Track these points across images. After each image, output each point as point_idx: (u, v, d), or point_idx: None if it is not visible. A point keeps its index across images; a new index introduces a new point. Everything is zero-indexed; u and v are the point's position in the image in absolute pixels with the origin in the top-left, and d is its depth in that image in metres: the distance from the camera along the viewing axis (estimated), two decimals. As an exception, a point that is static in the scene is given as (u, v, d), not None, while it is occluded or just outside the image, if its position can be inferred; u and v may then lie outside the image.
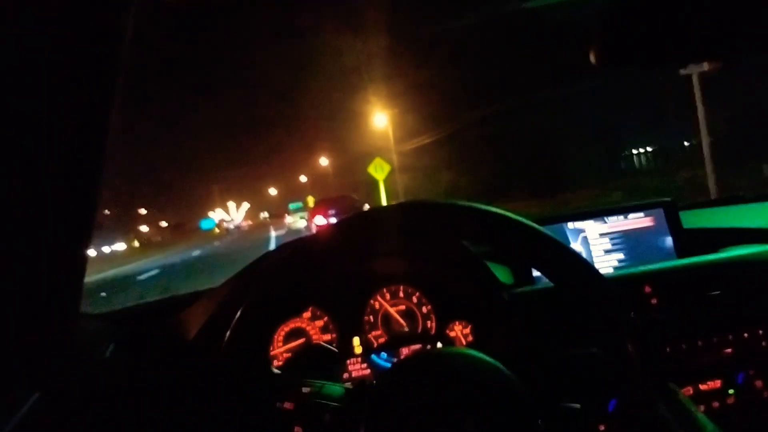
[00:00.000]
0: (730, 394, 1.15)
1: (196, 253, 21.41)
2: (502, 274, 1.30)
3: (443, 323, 1.26)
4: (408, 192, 17.74)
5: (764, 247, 1.28)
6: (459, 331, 1.26)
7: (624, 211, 1.40)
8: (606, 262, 1.38)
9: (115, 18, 0.60)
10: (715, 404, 1.15)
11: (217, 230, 53.04)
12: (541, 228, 0.72)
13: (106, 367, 1.01)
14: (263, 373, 0.73)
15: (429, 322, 1.27)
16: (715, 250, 1.37)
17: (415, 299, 1.28)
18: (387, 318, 1.26)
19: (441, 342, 1.25)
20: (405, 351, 1.24)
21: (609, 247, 1.39)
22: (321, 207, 20.07)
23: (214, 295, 1.13)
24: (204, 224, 57.03)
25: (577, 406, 0.75)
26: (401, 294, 1.28)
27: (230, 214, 69.25)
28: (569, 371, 0.84)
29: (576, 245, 1.36)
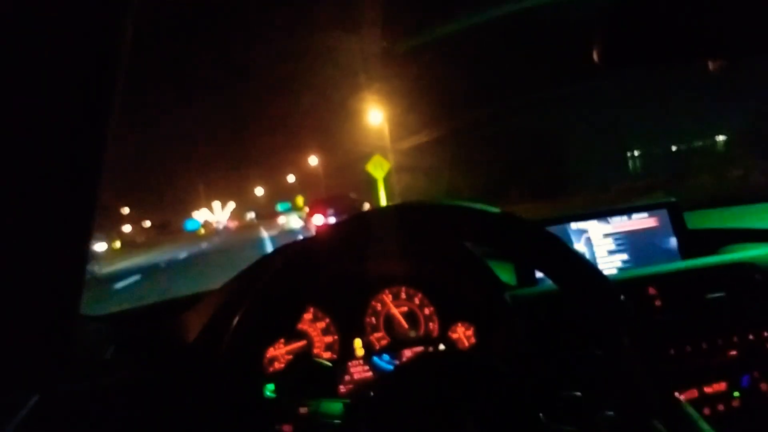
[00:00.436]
0: (735, 397, 1.14)
1: (182, 255, 19.74)
2: (505, 273, 1.30)
3: (445, 325, 1.26)
4: (405, 193, 17.35)
5: None
6: (461, 332, 1.25)
7: (627, 211, 1.40)
8: (609, 263, 1.38)
9: (115, 18, 0.59)
10: (720, 407, 1.14)
11: (202, 231, 51.67)
12: (544, 228, 0.71)
13: (105, 369, 1.01)
14: (258, 396, 0.73)
15: (431, 324, 1.26)
16: (719, 252, 1.37)
17: (417, 301, 1.27)
18: (389, 320, 1.26)
19: (443, 344, 1.24)
20: (407, 353, 1.23)
21: (612, 247, 1.38)
22: (319, 206, 19.72)
23: (214, 297, 1.13)
24: (189, 225, 55.08)
25: (578, 394, 0.74)
26: (403, 296, 1.28)
27: (215, 214, 68.24)
28: (571, 373, 0.84)
29: (579, 246, 1.36)
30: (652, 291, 1.20)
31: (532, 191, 15.80)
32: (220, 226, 58.19)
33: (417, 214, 0.72)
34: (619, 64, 0.73)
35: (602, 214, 1.39)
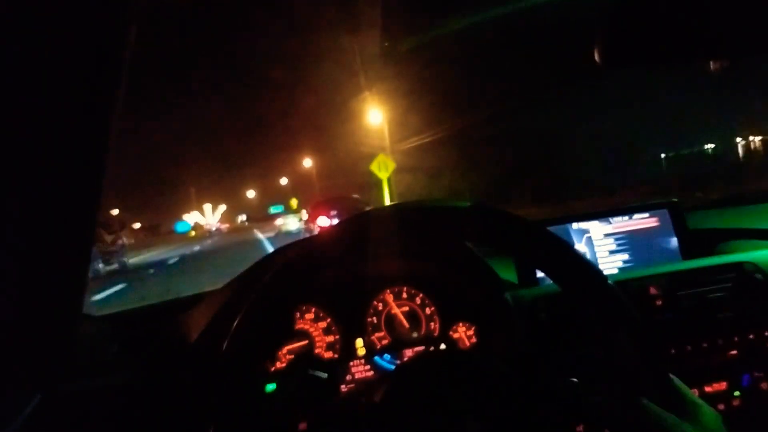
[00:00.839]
0: (736, 396, 1.14)
1: (173, 260, 17.64)
2: (506, 271, 1.30)
3: (447, 325, 1.26)
4: (405, 194, 16.98)
5: None
6: (462, 332, 1.25)
7: (628, 211, 1.40)
8: (611, 263, 1.38)
9: (118, 20, 0.60)
10: (721, 406, 1.14)
11: (193, 233, 50.89)
12: (545, 228, 0.72)
13: (107, 369, 1.01)
14: (259, 396, 0.73)
15: (432, 324, 1.26)
16: (720, 252, 1.37)
17: (418, 300, 1.28)
18: (390, 319, 1.26)
19: (444, 343, 1.25)
20: (408, 353, 1.24)
21: (614, 247, 1.38)
22: (323, 208, 19.32)
23: (216, 297, 1.13)
24: (179, 227, 54.05)
25: (575, 380, 0.74)
26: (404, 295, 1.28)
27: (206, 217, 67.51)
28: (571, 372, 0.84)
29: (580, 246, 1.36)
30: (653, 291, 1.20)
31: (534, 194, 15.41)
32: (213, 228, 57.73)
33: (418, 214, 0.72)
34: (620, 64, 0.73)
35: (603, 215, 1.39)
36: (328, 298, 1.23)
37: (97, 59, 0.60)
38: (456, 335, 1.25)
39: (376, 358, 1.22)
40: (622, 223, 1.39)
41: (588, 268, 0.71)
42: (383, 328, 1.25)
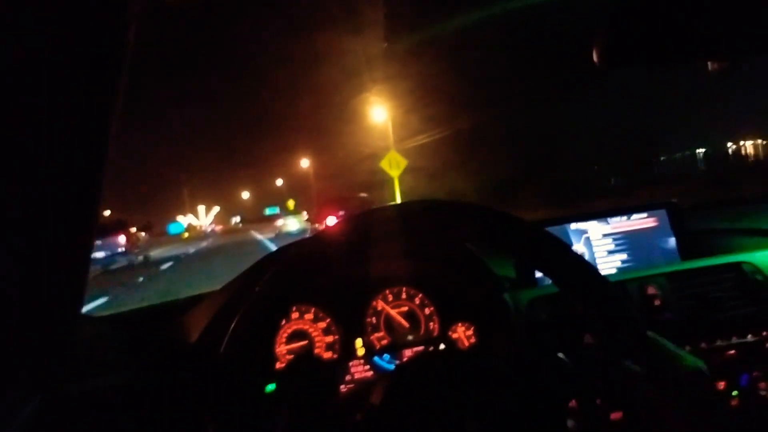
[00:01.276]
0: (734, 396, 1.15)
1: (165, 265, 15.24)
2: (505, 271, 1.30)
3: (446, 325, 1.26)
4: (409, 194, 16.32)
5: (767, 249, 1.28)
6: (461, 332, 1.25)
7: (627, 211, 1.40)
8: (609, 263, 1.38)
9: (117, 20, 0.60)
10: (719, 406, 1.14)
11: (186, 235, 50.13)
12: (543, 228, 0.72)
13: (107, 369, 1.01)
14: (259, 396, 0.73)
15: (431, 324, 1.27)
16: (718, 252, 1.37)
17: (417, 301, 1.28)
18: (389, 320, 1.26)
19: (443, 343, 1.25)
20: (407, 353, 1.24)
21: (612, 248, 1.38)
22: (331, 207, 18.44)
23: (215, 298, 1.13)
24: (172, 228, 52.89)
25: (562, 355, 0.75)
26: (404, 296, 1.28)
27: (199, 218, 66.79)
28: (570, 372, 0.84)
29: (579, 246, 1.36)
30: (651, 291, 1.20)
31: (545, 196, 14.57)
32: (208, 229, 57.29)
33: (417, 214, 0.72)
34: (618, 64, 0.74)
35: (602, 215, 1.39)
36: (328, 299, 1.23)
37: (98, 58, 0.59)
38: (455, 335, 1.25)
39: (376, 358, 1.22)
40: (620, 224, 1.39)
41: (586, 268, 0.71)
42: (382, 328, 1.25)
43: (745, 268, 1.24)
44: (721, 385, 1.15)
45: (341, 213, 17.43)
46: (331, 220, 17.55)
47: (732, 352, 1.16)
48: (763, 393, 1.15)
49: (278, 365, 1.18)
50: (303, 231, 21.57)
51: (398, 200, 13.84)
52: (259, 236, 25.13)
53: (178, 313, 1.16)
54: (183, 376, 0.98)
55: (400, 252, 1.22)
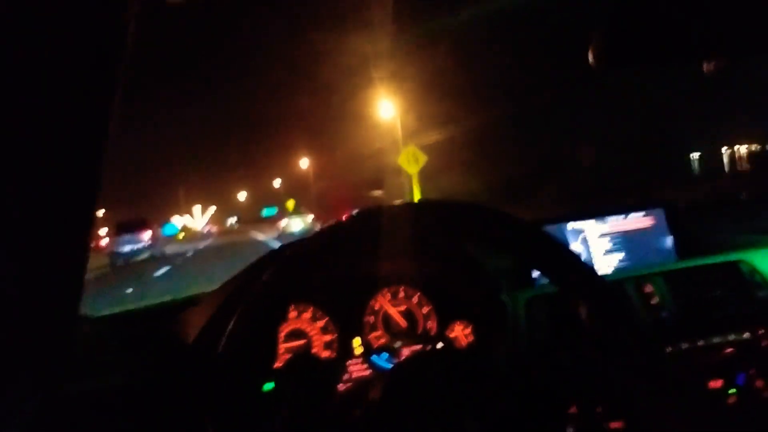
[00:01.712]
0: (731, 394, 1.15)
1: (160, 271, 13.23)
2: (503, 270, 1.31)
3: (443, 324, 1.26)
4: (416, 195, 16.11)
5: (764, 248, 1.28)
6: (459, 331, 1.26)
7: (624, 210, 1.40)
8: (606, 263, 1.38)
9: (116, 18, 0.60)
10: (717, 404, 1.14)
11: (181, 236, 49.42)
12: (541, 228, 0.72)
13: (106, 369, 1.01)
14: (257, 395, 0.73)
15: (429, 323, 1.27)
16: (715, 251, 1.38)
17: (415, 300, 1.28)
18: (387, 319, 1.26)
19: (441, 343, 1.25)
20: (405, 352, 1.24)
21: (609, 247, 1.38)
22: (344, 206, 16.84)
23: (213, 298, 1.13)
24: (167, 230, 49.38)
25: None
26: (401, 295, 1.28)
27: (195, 219, 66.05)
28: (568, 371, 0.84)
29: (576, 245, 1.36)
30: (648, 290, 1.21)
31: (567, 195, 13.41)
32: (205, 230, 56.62)
33: (414, 213, 0.72)
34: (616, 65, 0.74)
35: (599, 214, 1.40)
36: (326, 298, 1.23)
37: (97, 56, 0.60)
38: (453, 334, 1.26)
39: (374, 357, 1.23)
40: (617, 223, 1.39)
41: (584, 267, 0.72)
42: (380, 327, 1.25)
43: (742, 268, 1.25)
44: (718, 383, 1.15)
45: (355, 212, 16.97)
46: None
47: (729, 350, 1.17)
48: (759, 391, 1.15)
49: (276, 364, 1.18)
50: (307, 232, 20.70)
51: (417, 197, 13.07)
52: (261, 237, 24.81)
53: (176, 312, 1.16)
54: (181, 375, 0.98)
55: (398, 251, 1.22)
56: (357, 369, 1.21)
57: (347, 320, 1.24)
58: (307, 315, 1.23)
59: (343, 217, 0.73)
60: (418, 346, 1.25)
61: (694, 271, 1.26)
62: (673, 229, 1.40)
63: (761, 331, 1.18)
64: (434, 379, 0.73)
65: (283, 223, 25.44)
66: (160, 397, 0.97)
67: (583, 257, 1.30)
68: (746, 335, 1.17)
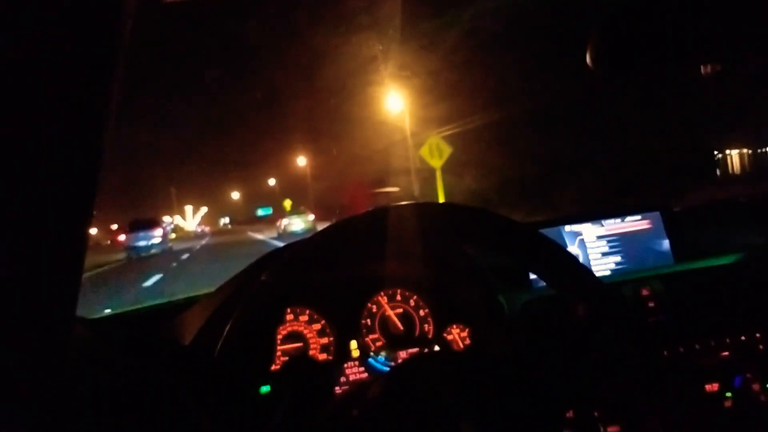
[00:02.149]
0: (728, 398, 1.15)
1: (152, 279, 11.29)
2: (500, 273, 1.31)
3: (441, 326, 1.26)
4: (427, 193, 14.48)
5: (761, 251, 1.29)
6: (456, 334, 1.26)
7: (621, 213, 1.41)
8: (603, 265, 1.38)
9: (112, 18, 0.60)
10: (713, 408, 1.15)
11: (173, 236, 49.16)
12: (538, 230, 0.72)
13: (102, 371, 1.01)
14: (254, 397, 0.73)
15: (426, 326, 1.27)
16: (712, 254, 1.38)
17: (412, 302, 1.28)
18: (384, 321, 1.26)
19: (438, 345, 1.25)
20: (402, 354, 1.24)
21: (606, 250, 1.39)
22: (360, 203, 16.28)
23: (211, 299, 1.13)
24: None
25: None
26: (399, 297, 1.28)
27: (186, 219, 65.44)
28: (565, 373, 0.84)
29: (573, 248, 1.36)
30: (645, 293, 1.21)
31: (582, 197, 12.34)
32: (199, 230, 56.14)
33: (412, 216, 0.72)
34: (613, 67, 0.74)
35: (596, 217, 1.40)
36: (323, 300, 1.23)
37: (93, 56, 0.60)
38: (450, 337, 1.26)
39: (371, 359, 1.22)
40: (614, 226, 1.39)
41: (581, 270, 0.72)
42: (377, 329, 1.25)
43: (738, 270, 1.25)
44: (715, 387, 1.15)
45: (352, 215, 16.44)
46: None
47: (725, 353, 1.17)
48: (756, 395, 1.15)
49: (273, 367, 1.18)
50: (308, 231, 20.27)
51: (441, 197, 12.32)
52: (260, 236, 24.64)
53: (173, 314, 1.16)
54: (178, 378, 0.98)
55: (395, 254, 1.22)
56: (354, 372, 1.21)
57: (344, 323, 1.24)
58: (304, 317, 1.22)
59: (348, 217, 0.73)
60: (415, 349, 1.25)
61: (690, 274, 1.26)
62: (670, 231, 1.40)
63: (758, 335, 1.18)
64: (431, 381, 0.73)
65: (284, 222, 25.14)
66: (157, 399, 0.97)
67: (581, 260, 1.30)
68: (743, 338, 1.18)
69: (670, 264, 1.36)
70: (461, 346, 1.25)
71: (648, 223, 1.40)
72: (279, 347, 1.20)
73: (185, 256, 17.38)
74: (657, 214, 1.41)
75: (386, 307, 1.27)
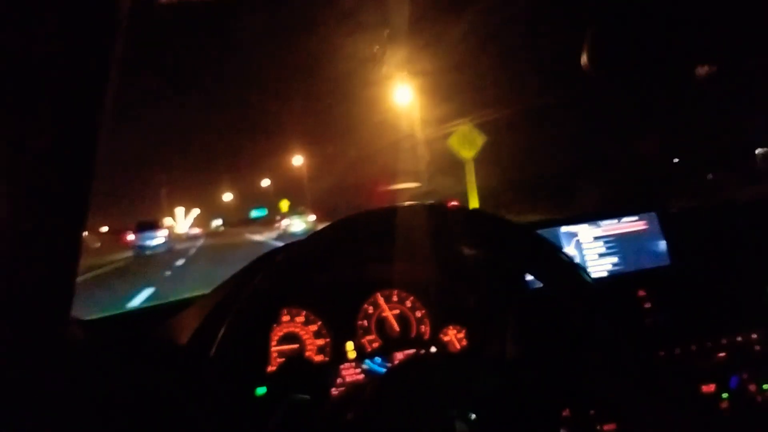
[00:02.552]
0: (724, 398, 1.15)
1: (144, 294, 9.31)
2: (496, 274, 1.31)
3: (437, 328, 1.26)
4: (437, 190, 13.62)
5: (756, 252, 1.29)
6: (453, 335, 1.25)
7: (617, 214, 1.41)
8: (600, 266, 1.38)
9: (106, 18, 0.59)
10: (709, 408, 1.15)
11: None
12: (534, 231, 0.72)
13: (97, 372, 1.01)
14: (249, 398, 0.73)
15: (423, 327, 1.27)
16: (708, 255, 1.38)
17: (408, 304, 1.28)
18: (380, 323, 1.26)
19: (435, 346, 1.25)
20: (399, 356, 1.24)
21: (603, 250, 1.39)
22: (380, 200, 15.19)
23: (206, 300, 1.13)
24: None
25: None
26: (395, 298, 1.28)
27: (177, 221, 64.90)
28: (560, 375, 0.84)
29: (569, 249, 1.36)
30: (641, 293, 1.21)
31: (607, 196, 11.00)
32: (191, 232, 55.82)
33: (408, 217, 0.72)
34: (608, 68, 0.74)
35: (592, 218, 1.40)
36: (319, 301, 1.23)
37: (88, 56, 0.59)
38: (446, 338, 1.25)
39: (367, 361, 1.22)
40: (611, 227, 1.39)
41: (577, 272, 0.72)
42: (374, 331, 1.25)
43: (733, 270, 1.25)
44: (711, 387, 1.15)
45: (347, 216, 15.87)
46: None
47: (722, 354, 1.17)
48: (752, 395, 1.15)
49: (269, 368, 1.18)
50: (309, 232, 19.67)
51: (473, 196, 11.49)
52: (259, 238, 24.38)
53: (169, 315, 1.15)
54: (174, 378, 0.98)
55: (392, 255, 1.22)
56: (350, 373, 1.21)
57: (340, 324, 1.24)
58: (300, 319, 1.22)
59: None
60: (412, 350, 1.25)
61: (686, 275, 1.27)
62: (666, 232, 1.40)
63: (754, 336, 1.18)
64: (427, 383, 0.73)
65: (285, 223, 25.16)
66: (152, 400, 0.97)
67: (577, 261, 1.30)
68: (739, 339, 1.18)
69: (667, 265, 1.36)
70: (457, 347, 1.25)
71: (644, 224, 1.40)
72: (275, 348, 1.20)
73: (180, 262, 15.96)
74: (653, 214, 1.41)
75: (384, 307, 1.26)
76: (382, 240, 0.73)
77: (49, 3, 0.56)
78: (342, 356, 1.22)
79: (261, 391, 1.08)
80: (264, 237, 24.27)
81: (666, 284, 1.24)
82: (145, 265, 16.86)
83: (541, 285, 0.73)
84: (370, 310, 1.26)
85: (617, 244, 1.39)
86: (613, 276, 1.35)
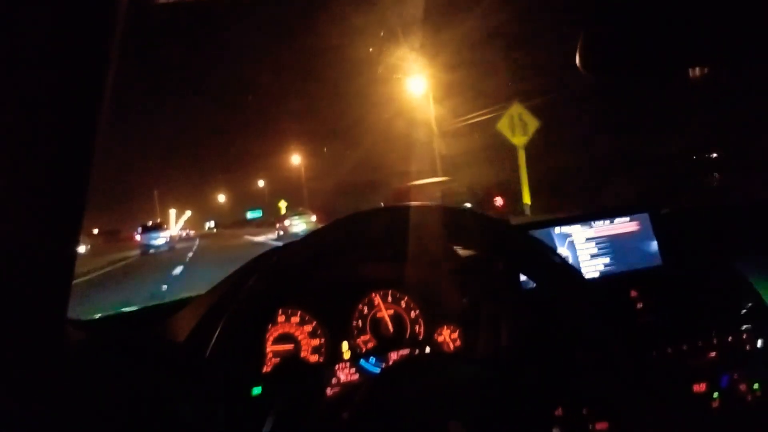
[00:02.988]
0: (715, 398, 1.16)
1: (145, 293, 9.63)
2: (491, 274, 1.31)
3: (431, 328, 1.27)
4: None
5: (746, 253, 1.30)
6: (447, 335, 1.26)
7: (610, 215, 1.42)
8: (592, 267, 1.39)
9: (104, 18, 0.60)
10: (700, 407, 1.16)
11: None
12: (528, 232, 0.73)
13: (94, 372, 1.01)
14: (245, 398, 0.73)
15: (417, 327, 1.27)
16: (700, 256, 1.39)
17: (403, 304, 1.28)
18: (375, 323, 1.26)
19: (429, 346, 1.25)
20: (393, 356, 1.24)
21: (595, 251, 1.40)
22: (405, 196, 14.20)
23: (203, 300, 1.13)
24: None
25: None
26: (389, 299, 1.28)
27: (169, 224, 64.68)
28: (555, 375, 0.85)
29: (563, 250, 1.37)
30: (633, 294, 1.22)
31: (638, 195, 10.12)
32: (183, 234, 55.62)
33: (403, 217, 0.73)
34: (603, 69, 0.75)
35: (585, 218, 1.41)
36: (314, 302, 1.23)
37: (85, 57, 0.60)
38: (440, 338, 1.26)
39: (362, 361, 1.23)
40: (603, 227, 1.40)
41: (570, 272, 0.72)
42: (369, 331, 1.26)
43: (725, 271, 1.26)
44: (702, 387, 1.16)
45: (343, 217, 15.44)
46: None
47: (713, 354, 1.18)
48: (743, 395, 1.17)
49: (264, 368, 1.18)
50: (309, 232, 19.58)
51: (526, 187, 10.68)
52: (259, 239, 24.29)
53: (166, 315, 1.15)
54: (170, 378, 0.98)
55: (387, 255, 1.22)
56: (345, 373, 1.21)
57: (335, 324, 1.24)
58: (296, 319, 1.22)
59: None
60: (406, 351, 1.25)
61: (678, 275, 1.28)
62: (659, 233, 1.42)
63: (744, 336, 1.20)
64: (422, 383, 0.74)
65: (287, 222, 24.90)
66: (149, 400, 0.97)
67: (570, 261, 1.31)
68: (729, 339, 1.19)
69: (659, 265, 1.37)
70: (452, 347, 1.25)
71: (637, 225, 1.41)
72: (270, 348, 1.20)
73: (177, 270, 13.72)
74: (645, 215, 1.42)
75: (377, 308, 1.27)
76: (377, 240, 0.73)
77: (48, 3, 0.56)
78: (337, 356, 1.22)
79: (256, 391, 1.09)
80: (264, 238, 24.21)
81: (658, 284, 1.25)
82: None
83: (535, 285, 0.74)
84: (365, 310, 1.26)
85: (610, 244, 1.40)
86: (605, 276, 1.36)
